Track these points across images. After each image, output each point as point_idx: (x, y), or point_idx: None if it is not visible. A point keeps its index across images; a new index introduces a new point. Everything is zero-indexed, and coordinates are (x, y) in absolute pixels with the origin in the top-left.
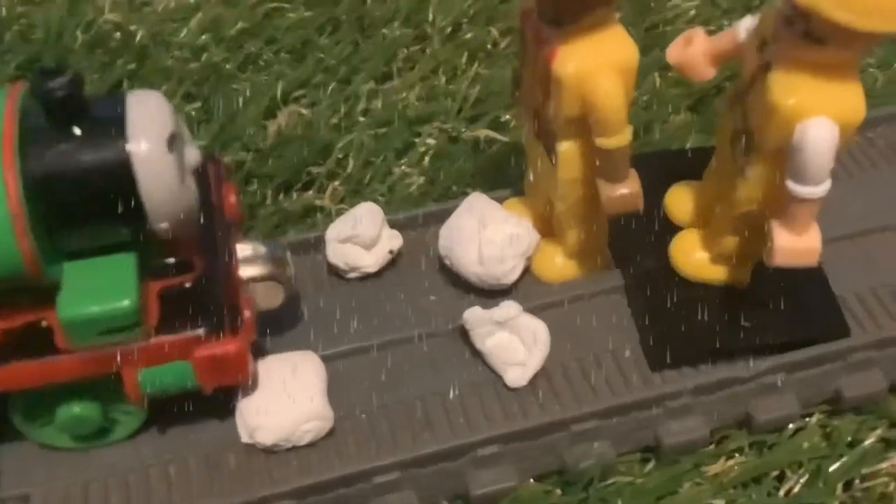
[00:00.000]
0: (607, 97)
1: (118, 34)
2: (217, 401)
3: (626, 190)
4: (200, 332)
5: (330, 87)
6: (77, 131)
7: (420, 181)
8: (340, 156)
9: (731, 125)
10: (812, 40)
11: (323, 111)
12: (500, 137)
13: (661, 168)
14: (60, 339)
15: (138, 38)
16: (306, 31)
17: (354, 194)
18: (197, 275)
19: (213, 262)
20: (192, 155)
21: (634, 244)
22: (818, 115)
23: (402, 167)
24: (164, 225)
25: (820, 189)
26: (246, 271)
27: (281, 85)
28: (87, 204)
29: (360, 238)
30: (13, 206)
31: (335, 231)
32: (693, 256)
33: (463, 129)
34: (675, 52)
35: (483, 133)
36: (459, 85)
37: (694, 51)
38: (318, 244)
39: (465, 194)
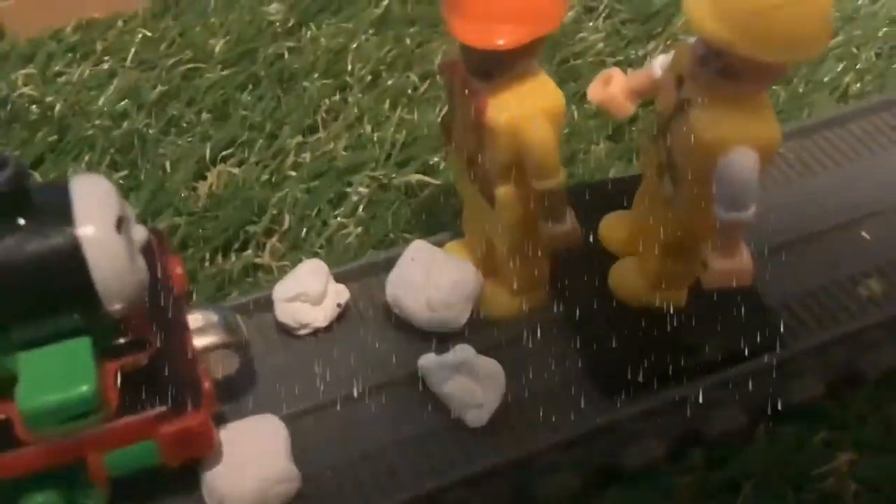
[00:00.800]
0: (541, 143)
1: (34, 107)
2: (179, 473)
3: (566, 227)
4: (163, 408)
5: (257, 145)
6: (22, 222)
7: (357, 231)
8: (275, 212)
9: (656, 158)
10: (727, 76)
11: (253, 169)
12: (432, 181)
13: (591, 198)
14: (21, 431)
15: (57, 109)
16: (226, 89)
17: (293, 249)
18: (152, 351)
19: (168, 337)
20: (140, 233)
21: (574, 276)
22: (739, 145)
23: (338, 218)
24: (117, 306)
25: (747, 213)
26: (200, 341)
27: (208, 145)
28: (39, 294)
29: (308, 295)
30: None
31: (282, 290)
32: (631, 283)
33: (393, 175)
34: (595, 92)
35: (414, 178)
36: (385, 132)
37: (613, 90)
38: (266, 303)
39: (404, 240)
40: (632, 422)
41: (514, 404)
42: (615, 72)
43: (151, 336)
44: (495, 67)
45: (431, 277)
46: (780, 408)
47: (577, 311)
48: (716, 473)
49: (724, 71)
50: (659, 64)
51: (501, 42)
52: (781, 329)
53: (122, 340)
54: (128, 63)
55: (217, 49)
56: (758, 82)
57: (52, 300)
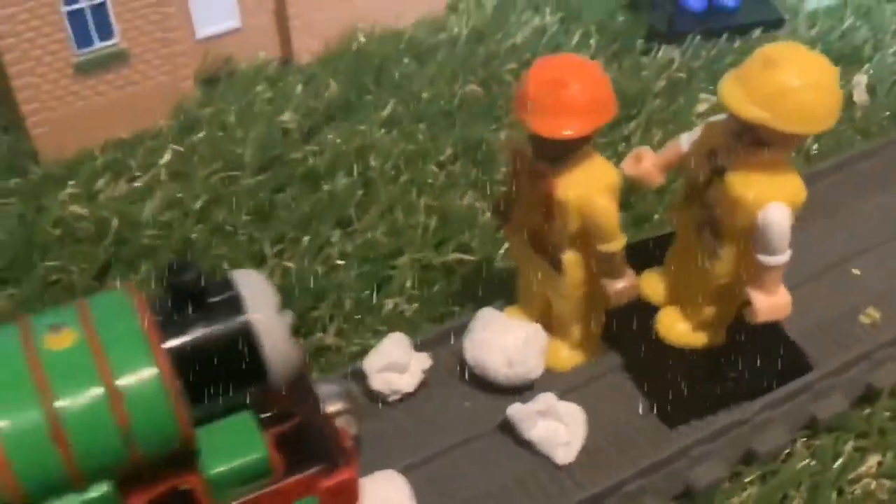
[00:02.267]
0: (605, 213)
1: (85, 223)
2: None
3: (627, 283)
4: (320, 467)
5: (303, 240)
6: (202, 313)
7: (413, 307)
8: (334, 296)
9: (691, 219)
10: (759, 145)
11: (303, 261)
12: (470, 258)
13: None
14: (204, 499)
15: (112, 223)
16: (263, 193)
17: (356, 329)
18: (297, 419)
19: (310, 406)
20: (288, 317)
21: (624, 327)
22: (773, 201)
23: (393, 299)
24: (282, 382)
25: (784, 257)
26: (329, 408)
27: (259, 244)
28: (220, 374)
29: (396, 364)
30: (169, 385)
31: (371, 362)
32: (676, 328)
33: (433, 256)
34: (629, 168)
35: (453, 256)
36: (417, 217)
37: (645, 165)
38: (356, 376)
39: (456, 313)
40: (699, 445)
41: (590, 442)
42: (645, 150)
43: (293, 407)
44: (561, 152)
45: (506, 337)
46: (815, 423)
47: (632, 357)
48: (770, 486)
49: (755, 141)
50: (685, 140)
51: (568, 133)
52: (807, 355)
53: (268, 413)
54: (162, 177)
55: (246, 158)
56: (783, 149)
57: (232, 381)
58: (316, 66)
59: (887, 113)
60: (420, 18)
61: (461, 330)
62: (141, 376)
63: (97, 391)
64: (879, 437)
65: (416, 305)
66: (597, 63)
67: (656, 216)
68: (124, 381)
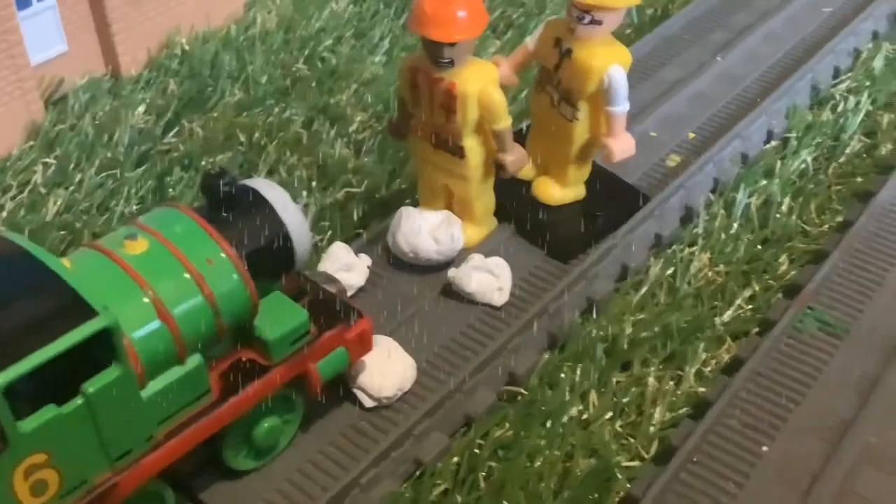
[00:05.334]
0: (497, 100)
1: None
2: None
3: (518, 154)
4: (344, 323)
5: None
6: (237, 214)
7: (329, 234)
8: None
9: (547, 100)
10: (594, 24)
11: None
12: (356, 189)
13: None
14: (265, 360)
15: (24, 231)
16: (152, 179)
17: None
18: (310, 297)
19: (315, 287)
20: (301, 208)
21: (509, 200)
22: (612, 64)
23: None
24: (302, 265)
25: (627, 105)
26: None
27: None
28: (264, 262)
29: (347, 265)
30: (238, 264)
31: (326, 266)
32: (550, 192)
33: (324, 197)
34: None
35: (342, 192)
36: (299, 172)
37: (503, 70)
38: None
39: (360, 233)
40: (593, 266)
41: (515, 286)
42: (499, 58)
43: (302, 286)
44: (454, 56)
45: (427, 222)
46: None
47: (521, 221)
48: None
49: (592, 21)
50: (529, 42)
51: (458, 37)
52: (641, 192)
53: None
54: (42, 190)
55: (120, 156)
56: (611, 24)
57: (271, 265)
58: (147, 74)
59: None
60: (227, 17)
61: (383, 234)
62: (214, 260)
63: (185, 276)
64: (703, 242)
65: (330, 234)
66: None
67: None
68: (201, 266)
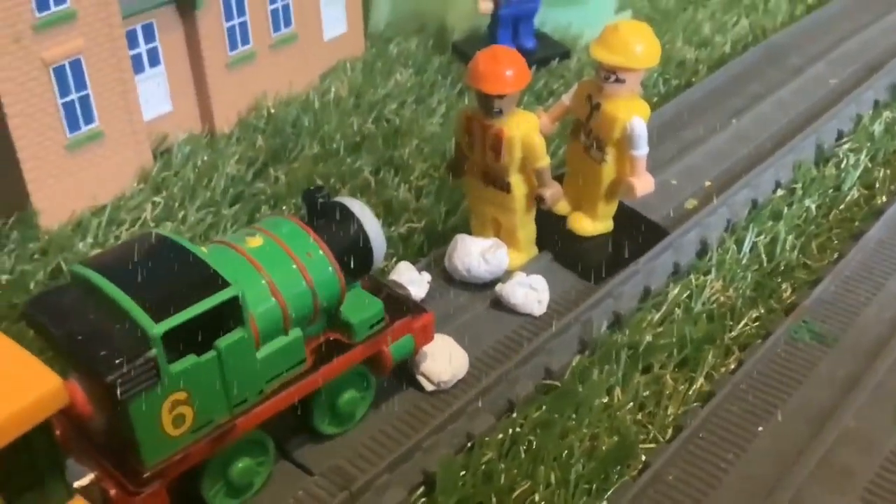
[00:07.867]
0: (537, 143)
1: None
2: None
3: (556, 189)
4: (411, 314)
5: None
6: (328, 222)
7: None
8: None
9: (580, 146)
10: (618, 82)
11: None
12: (417, 225)
13: None
14: (348, 339)
15: None
16: (245, 215)
17: None
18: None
19: (386, 286)
20: (378, 223)
21: (548, 232)
22: (634, 115)
23: None
24: (378, 265)
25: (646, 149)
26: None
27: None
28: (348, 261)
29: (410, 280)
30: (331, 259)
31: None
32: (583, 224)
33: (387, 232)
34: None
35: (405, 227)
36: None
37: (542, 121)
38: None
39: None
40: (617, 286)
41: (552, 300)
42: (540, 111)
43: (377, 286)
44: (501, 107)
45: (478, 245)
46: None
47: (558, 249)
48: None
49: (616, 80)
50: (565, 98)
51: (507, 90)
52: (662, 227)
53: None
54: (150, 225)
55: (216, 196)
56: (633, 83)
57: (356, 266)
58: (238, 132)
59: None
60: (306, 86)
61: (440, 258)
62: (313, 255)
63: (291, 265)
64: (717, 272)
65: (395, 259)
66: (516, 51)
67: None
68: (304, 259)
